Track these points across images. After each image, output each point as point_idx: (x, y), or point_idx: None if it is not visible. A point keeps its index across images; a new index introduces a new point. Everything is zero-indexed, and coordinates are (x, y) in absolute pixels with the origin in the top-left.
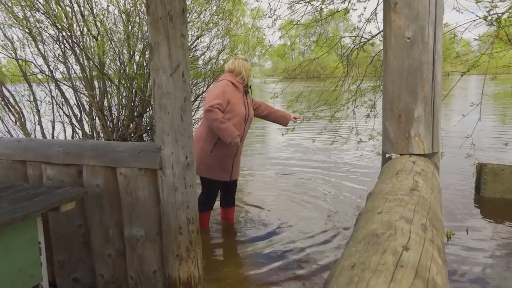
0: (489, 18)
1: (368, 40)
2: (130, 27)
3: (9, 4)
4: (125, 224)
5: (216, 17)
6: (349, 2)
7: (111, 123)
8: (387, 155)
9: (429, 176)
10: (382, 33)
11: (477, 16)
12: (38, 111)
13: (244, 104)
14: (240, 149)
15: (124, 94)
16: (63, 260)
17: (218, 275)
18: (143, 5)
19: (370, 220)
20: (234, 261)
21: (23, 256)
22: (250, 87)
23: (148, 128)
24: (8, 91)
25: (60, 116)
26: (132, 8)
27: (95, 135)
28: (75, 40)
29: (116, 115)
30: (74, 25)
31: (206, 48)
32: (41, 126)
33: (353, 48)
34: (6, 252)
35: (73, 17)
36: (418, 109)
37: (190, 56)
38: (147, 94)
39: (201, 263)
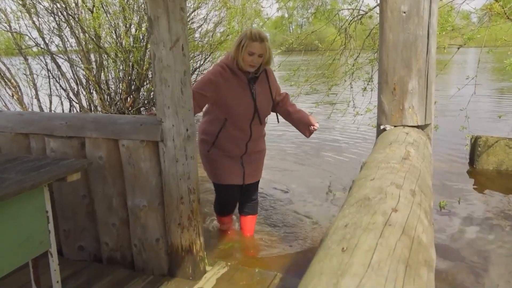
0: None
1: (366, 13)
2: None
3: None
4: (128, 194)
5: None
6: None
7: (108, 97)
8: (382, 127)
9: (421, 146)
10: (379, 6)
11: None
12: (34, 85)
13: (249, 95)
14: (252, 147)
15: (121, 68)
16: (68, 229)
17: (217, 243)
18: None
19: (362, 186)
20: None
21: (32, 224)
22: (266, 71)
23: (146, 102)
24: (4, 64)
25: (57, 89)
26: None
27: (92, 109)
28: (70, 12)
29: (113, 88)
30: None
31: (203, 21)
32: (38, 100)
33: (351, 20)
34: (15, 220)
35: None
36: (413, 82)
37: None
38: (144, 67)
39: (202, 231)
